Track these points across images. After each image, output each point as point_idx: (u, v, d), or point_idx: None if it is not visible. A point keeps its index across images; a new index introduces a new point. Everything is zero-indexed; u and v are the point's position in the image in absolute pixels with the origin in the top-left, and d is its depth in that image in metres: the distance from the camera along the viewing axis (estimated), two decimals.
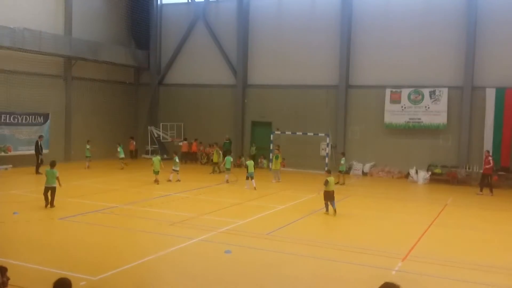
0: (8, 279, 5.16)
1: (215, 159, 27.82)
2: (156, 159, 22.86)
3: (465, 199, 21.60)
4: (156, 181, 22.34)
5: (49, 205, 16.15)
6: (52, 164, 16.54)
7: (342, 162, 24.91)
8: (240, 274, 10.65)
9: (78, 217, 15.17)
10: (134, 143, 32.99)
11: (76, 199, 17.83)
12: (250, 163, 22.50)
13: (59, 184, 16.31)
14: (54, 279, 5.98)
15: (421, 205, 20.81)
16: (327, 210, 16.81)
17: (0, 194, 18.14)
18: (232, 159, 24.96)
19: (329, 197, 16.59)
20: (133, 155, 32.82)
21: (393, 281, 4.46)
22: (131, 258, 11.16)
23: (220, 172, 26.90)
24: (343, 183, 24.38)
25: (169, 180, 23.06)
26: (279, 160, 25.00)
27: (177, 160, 23.66)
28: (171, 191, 20.58)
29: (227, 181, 23.49)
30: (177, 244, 12.55)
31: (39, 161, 24.99)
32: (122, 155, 27.86)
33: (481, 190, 22.62)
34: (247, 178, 21.96)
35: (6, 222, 12.70)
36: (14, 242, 11.89)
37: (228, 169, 23.89)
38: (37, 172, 24.59)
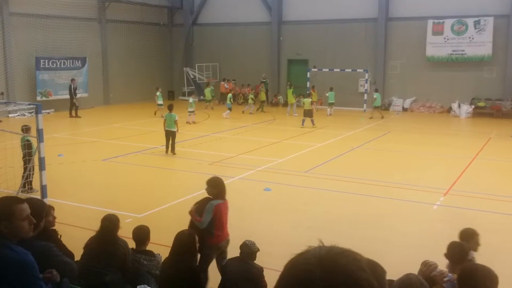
0: (54, 218, 5.33)
1: (262, 97, 27.94)
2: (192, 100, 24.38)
3: (509, 132, 20.91)
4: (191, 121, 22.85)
5: (169, 151, 15.90)
6: (170, 108, 16.27)
7: (375, 96, 24.91)
8: (280, 211, 10.78)
9: (120, 158, 15.54)
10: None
11: (117, 141, 18.23)
12: (229, 96, 25.66)
13: (177, 129, 16.00)
14: (101, 216, 6.21)
15: (464, 139, 20.34)
16: (302, 124, 21.28)
17: (44, 138, 18.67)
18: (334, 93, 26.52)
19: (305, 114, 21.28)
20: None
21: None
22: (173, 196, 11.42)
23: (262, 110, 27.24)
24: (382, 117, 24.59)
25: (188, 123, 22.27)
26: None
27: (190, 100, 22.97)
28: (209, 131, 20.73)
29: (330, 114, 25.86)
30: None
31: (76, 105, 25.32)
32: (161, 101, 24.62)
33: None
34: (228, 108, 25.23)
35: (52, 164, 13.11)
36: (61, 182, 12.30)
37: (331, 104, 26.11)
38: (71, 115, 25.00)
